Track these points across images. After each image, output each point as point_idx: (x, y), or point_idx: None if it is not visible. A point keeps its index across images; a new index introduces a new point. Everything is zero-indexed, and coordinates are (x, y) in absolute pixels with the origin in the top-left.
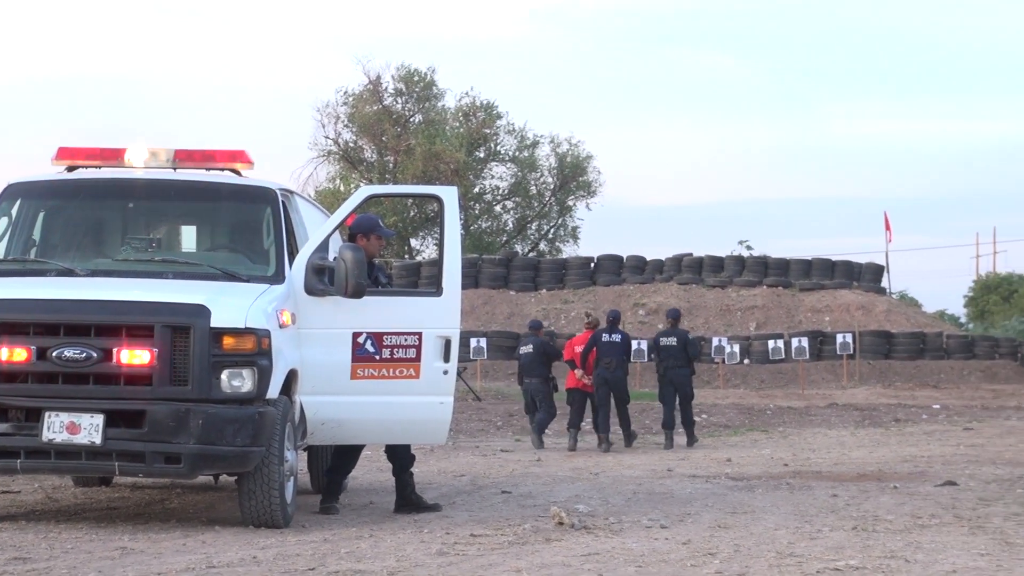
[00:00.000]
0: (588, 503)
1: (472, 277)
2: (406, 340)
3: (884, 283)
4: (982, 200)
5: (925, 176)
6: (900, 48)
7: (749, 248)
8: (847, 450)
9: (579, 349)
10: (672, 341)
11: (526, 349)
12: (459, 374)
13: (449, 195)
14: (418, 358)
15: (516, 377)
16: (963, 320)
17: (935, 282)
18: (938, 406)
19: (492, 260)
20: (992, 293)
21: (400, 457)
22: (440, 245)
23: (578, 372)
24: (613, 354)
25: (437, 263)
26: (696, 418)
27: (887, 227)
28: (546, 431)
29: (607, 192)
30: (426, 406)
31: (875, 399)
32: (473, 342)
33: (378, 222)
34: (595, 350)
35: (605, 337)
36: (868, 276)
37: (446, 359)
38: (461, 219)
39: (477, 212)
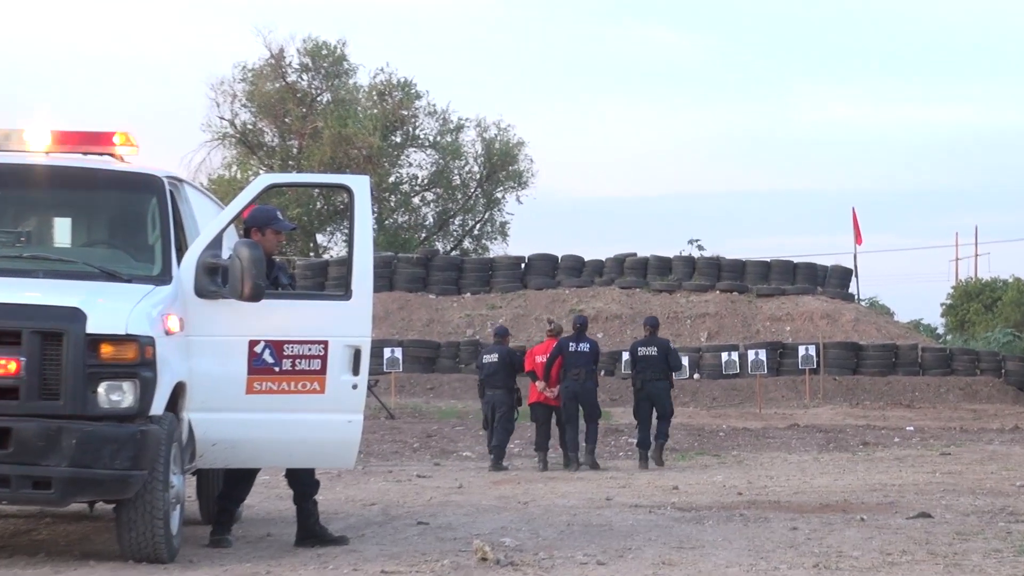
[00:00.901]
0: (516, 536)
1: (386, 278)
2: (310, 350)
3: (852, 288)
4: (962, 196)
5: (898, 169)
6: (868, 24)
7: (700, 248)
8: (809, 477)
9: (541, 359)
10: (652, 351)
11: (490, 358)
12: (370, 388)
13: (360, 185)
14: (323, 370)
15: (477, 390)
16: (941, 331)
17: (909, 288)
18: (912, 428)
19: (409, 259)
20: (973, 301)
21: (302, 483)
22: (349, 242)
23: (540, 384)
24: (581, 364)
25: (346, 262)
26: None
27: (856, 226)
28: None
29: (540, 183)
30: (332, 425)
31: (841, 420)
32: (387, 352)
33: (277, 214)
34: (560, 360)
35: (572, 346)
36: (834, 280)
37: (355, 371)
38: (374, 212)
39: (393, 204)
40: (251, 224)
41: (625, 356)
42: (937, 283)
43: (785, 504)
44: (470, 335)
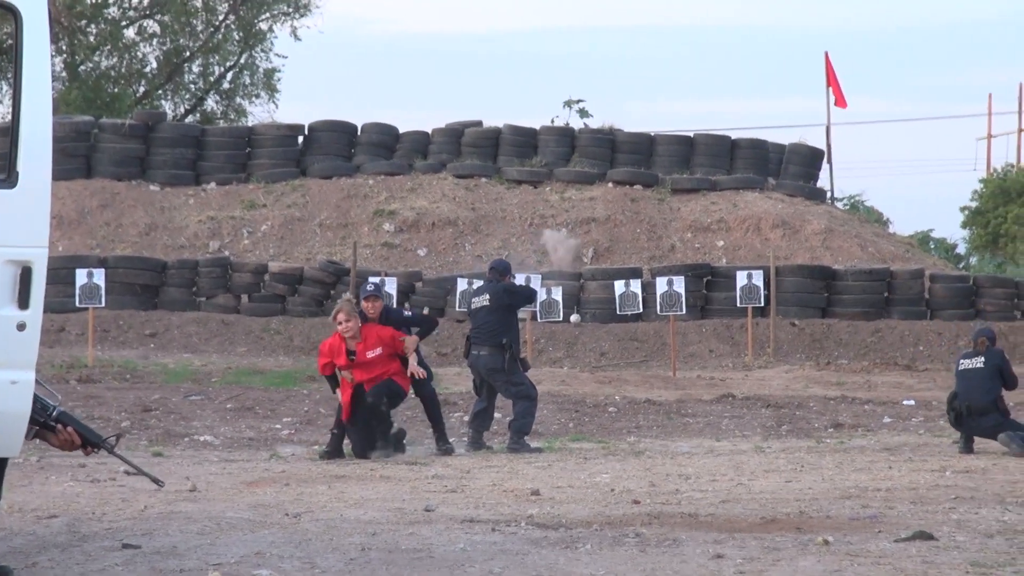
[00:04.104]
0: (279, 567)
1: (82, 157)
2: None
3: (823, 181)
4: (996, 33)
5: None
6: None
7: (584, 115)
8: (747, 477)
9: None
10: (485, 300)
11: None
12: (109, 449)
13: (32, 7)
14: None
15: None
16: (961, 250)
17: (913, 182)
18: (911, 402)
19: (119, 128)
20: (1013, 203)
21: None
22: (15, 97)
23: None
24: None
25: (8, 130)
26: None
27: (832, 80)
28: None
29: (330, 8)
30: None
31: (802, 388)
32: (81, 276)
33: None
34: None
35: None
36: (795, 168)
37: (23, 303)
38: (56, 50)
39: (93, 40)
40: None
41: (462, 286)
42: (957, 174)
43: (707, 519)
44: (215, 249)
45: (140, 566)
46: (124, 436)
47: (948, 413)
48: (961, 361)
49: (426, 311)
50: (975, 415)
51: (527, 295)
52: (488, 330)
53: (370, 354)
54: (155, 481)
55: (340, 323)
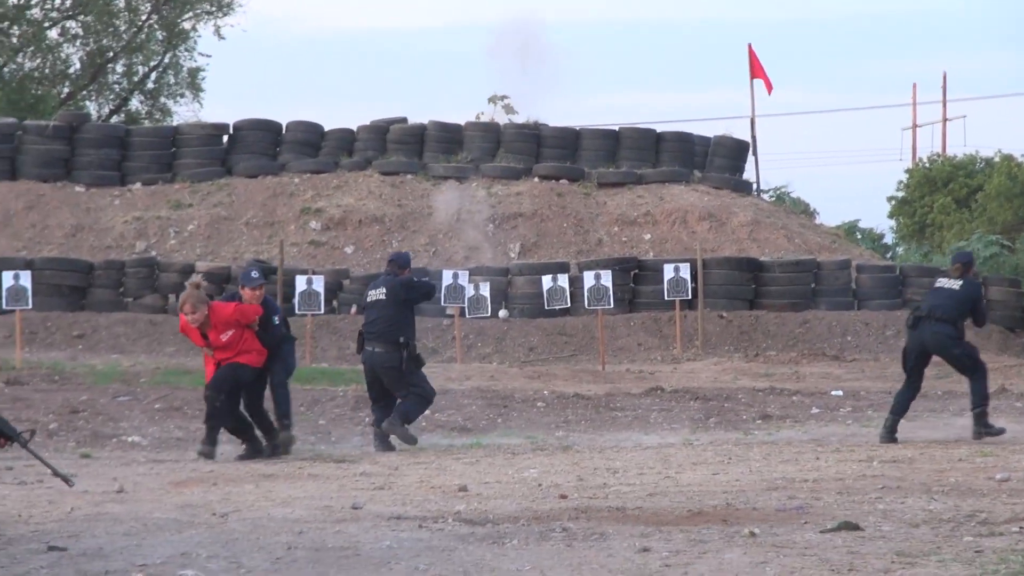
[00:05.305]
0: (205, 567)
1: (6, 159)
2: None
3: (750, 174)
4: (923, 22)
5: None
6: None
7: (509, 110)
8: (675, 470)
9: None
10: (380, 294)
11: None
12: (23, 444)
13: None
14: None
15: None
16: (888, 240)
17: (839, 173)
18: (840, 392)
19: (43, 129)
20: (939, 192)
21: None
22: None
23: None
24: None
25: None
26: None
27: (756, 66)
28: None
29: (254, 6)
30: None
31: (730, 380)
32: (6, 279)
33: None
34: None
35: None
36: (721, 160)
37: None
38: None
39: (16, 41)
40: None
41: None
42: (883, 164)
43: (634, 512)
44: (142, 250)
45: (66, 568)
46: (36, 432)
47: (907, 320)
48: (939, 279)
49: (353, 310)
50: (935, 320)
51: (425, 291)
52: (383, 325)
53: (223, 337)
54: (65, 480)
55: (187, 314)
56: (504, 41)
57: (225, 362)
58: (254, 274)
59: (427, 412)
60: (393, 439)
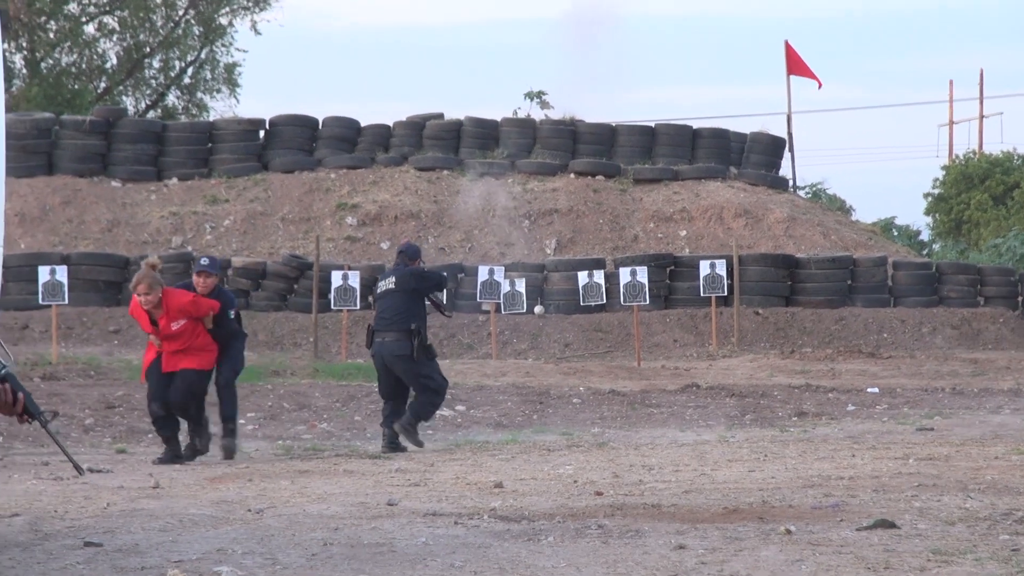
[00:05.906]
0: (240, 563)
1: (43, 155)
2: None
3: (786, 170)
4: (959, 20)
5: None
6: None
7: (545, 106)
8: (710, 467)
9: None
10: (390, 283)
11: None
12: (43, 424)
13: None
14: None
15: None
16: (924, 237)
17: (875, 170)
18: (875, 389)
19: (79, 125)
20: (976, 189)
21: None
22: None
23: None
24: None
25: None
26: (443, 411)
27: (798, 67)
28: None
29: (291, 2)
30: None
31: (766, 377)
32: (43, 274)
33: None
34: None
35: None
36: (757, 156)
37: None
38: (16, 48)
39: (53, 36)
40: None
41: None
42: (919, 161)
43: (670, 510)
44: (178, 245)
45: (101, 564)
46: (58, 414)
47: None
48: None
49: (371, 300)
50: None
51: (436, 280)
52: (393, 314)
53: (174, 326)
54: (77, 468)
55: (139, 295)
56: (577, 22)
57: (170, 355)
58: (204, 261)
59: (447, 411)
60: (402, 439)
